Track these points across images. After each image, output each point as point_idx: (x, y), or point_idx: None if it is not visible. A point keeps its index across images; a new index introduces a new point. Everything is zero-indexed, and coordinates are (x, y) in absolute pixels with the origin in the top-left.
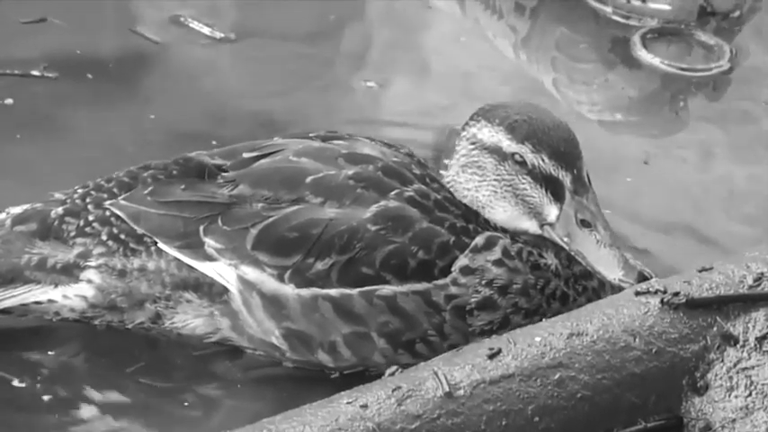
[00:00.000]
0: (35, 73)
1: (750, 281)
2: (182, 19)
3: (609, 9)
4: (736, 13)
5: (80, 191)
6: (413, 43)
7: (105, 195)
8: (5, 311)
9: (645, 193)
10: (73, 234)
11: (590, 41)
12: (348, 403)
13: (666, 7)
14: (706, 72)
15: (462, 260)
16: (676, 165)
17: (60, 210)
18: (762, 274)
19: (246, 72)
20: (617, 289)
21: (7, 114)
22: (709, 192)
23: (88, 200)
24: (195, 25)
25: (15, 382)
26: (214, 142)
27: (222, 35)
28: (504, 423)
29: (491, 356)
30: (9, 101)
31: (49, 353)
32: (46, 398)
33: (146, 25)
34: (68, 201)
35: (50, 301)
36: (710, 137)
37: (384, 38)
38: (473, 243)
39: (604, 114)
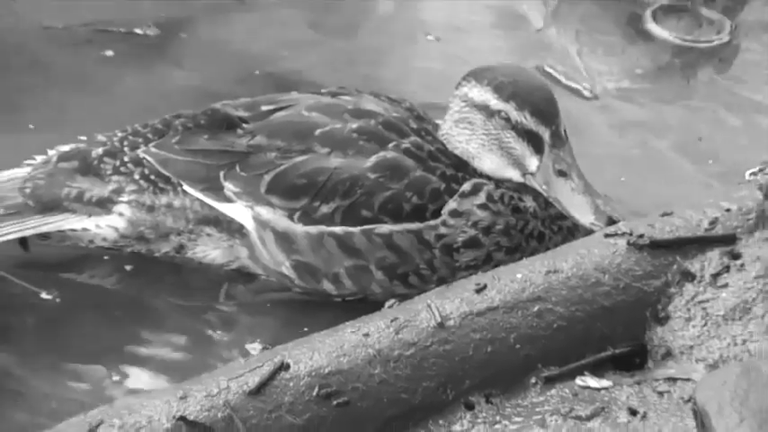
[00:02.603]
0: (138, 31)
1: (706, 224)
2: None
3: None
4: None
5: (119, 134)
6: (459, 14)
7: (140, 140)
8: (45, 236)
9: (665, 149)
10: (109, 172)
11: (609, 16)
12: (352, 332)
13: None
14: (709, 44)
15: (451, 204)
16: (687, 127)
17: (100, 150)
18: (716, 218)
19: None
20: (588, 230)
21: (101, 63)
22: (719, 144)
23: (125, 143)
24: None
25: (43, 294)
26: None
27: None
28: (489, 350)
29: (478, 291)
30: (110, 53)
31: (83, 274)
32: (70, 310)
33: None
34: (108, 143)
35: (84, 229)
36: (717, 103)
37: (432, 12)
38: (461, 189)
39: (623, 82)
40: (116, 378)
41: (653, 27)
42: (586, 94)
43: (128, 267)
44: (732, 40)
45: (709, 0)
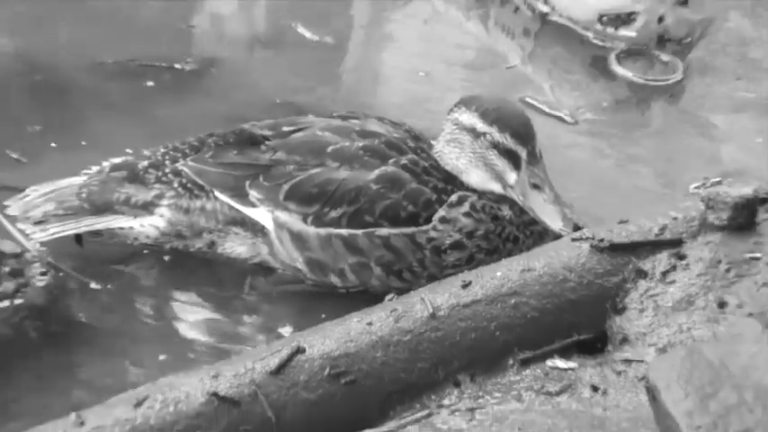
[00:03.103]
0: (177, 66)
1: (656, 230)
2: (292, 25)
3: (590, 34)
4: (688, 39)
5: (162, 149)
6: (450, 53)
7: (179, 154)
8: (97, 233)
9: (624, 169)
10: (153, 181)
11: (576, 59)
12: (358, 321)
13: (633, 34)
14: (664, 82)
15: (441, 212)
16: (642, 150)
17: (146, 163)
18: (665, 225)
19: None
20: (557, 235)
21: (144, 92)
22: (666, 168)
23: (167, 157)
24: (301, 30)
25: (93, 284)
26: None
27: (318, 38)
28: (473, 336)
29: (464, 286)
30: (150, 83)
31: (128, 267)
32: (117, 299)
33: (266, 30)
34: (152, 156)
35: (131, 228)
36: (668, 131)
37: (426, 51)
38: (449, 200)
39: (587, 114)
40: (160, 358)
41: (618, 68)
42: (568, 120)
43: (166, 259)
44: (684, 79)
45: (661, 45)
